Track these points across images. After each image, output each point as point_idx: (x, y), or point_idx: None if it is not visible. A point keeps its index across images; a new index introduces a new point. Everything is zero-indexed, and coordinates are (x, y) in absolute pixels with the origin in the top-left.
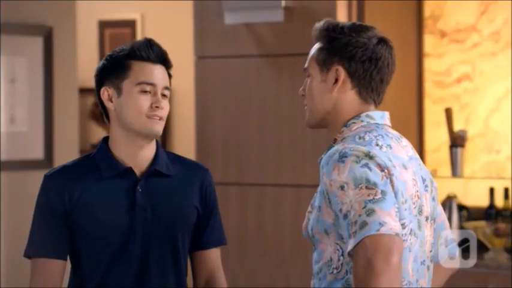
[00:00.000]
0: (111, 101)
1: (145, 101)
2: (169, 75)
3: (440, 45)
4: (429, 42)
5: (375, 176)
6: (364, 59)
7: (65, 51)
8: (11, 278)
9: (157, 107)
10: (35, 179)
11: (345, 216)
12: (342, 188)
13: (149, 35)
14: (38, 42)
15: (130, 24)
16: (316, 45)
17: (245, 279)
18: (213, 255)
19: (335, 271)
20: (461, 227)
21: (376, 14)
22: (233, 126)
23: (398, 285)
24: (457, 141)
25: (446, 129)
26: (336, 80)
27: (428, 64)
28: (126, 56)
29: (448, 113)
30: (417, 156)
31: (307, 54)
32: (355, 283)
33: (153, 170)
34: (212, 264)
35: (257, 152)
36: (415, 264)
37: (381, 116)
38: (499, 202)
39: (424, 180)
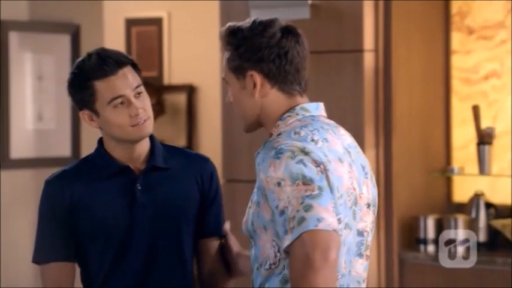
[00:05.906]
0: (93, 121)
1: (122, 114)
2: (136, 68)
3: (468, 42)
4: (456, 39)
5: (310, 171)
6: (273, 57)
7: (92, 49)
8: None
9: (136, 114)
10: None
11: (282, 213)
12: (279, 184)
13: (175, 33)
14: (65, 40)
15: (157, 22)
16: (226, 54)
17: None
18: (215, 244)
19: (273, 266)
20: (488, 225)
21: (403, 11)
22: None
23: (334, 281)
24: (484, 138)
25: (473, 126)
26: (254, 85)
27: (456, 61)
28: (86, 78)
29: (476, 110)
30: (355, 144)
31: (333, 51)
32: (292, 278)
33: (150, 166)
34: (214, 252)
35: None
36: (348, 256)
37: (315, 108)
38: None
39: (363, 167)
